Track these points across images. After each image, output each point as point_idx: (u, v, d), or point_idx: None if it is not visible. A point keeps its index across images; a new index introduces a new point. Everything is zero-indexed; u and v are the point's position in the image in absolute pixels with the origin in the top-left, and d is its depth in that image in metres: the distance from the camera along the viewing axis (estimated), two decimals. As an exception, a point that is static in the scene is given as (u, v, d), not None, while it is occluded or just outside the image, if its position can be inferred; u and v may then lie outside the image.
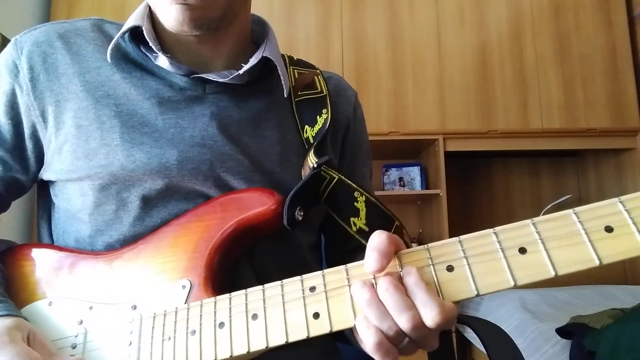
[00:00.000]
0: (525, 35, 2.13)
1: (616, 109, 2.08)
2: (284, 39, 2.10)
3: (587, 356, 1.29)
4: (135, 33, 0.56)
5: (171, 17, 0.51)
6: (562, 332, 1.42)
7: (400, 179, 2.28)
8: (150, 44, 0.53)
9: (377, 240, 0.38)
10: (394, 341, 0.36)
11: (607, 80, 2.10)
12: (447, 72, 2.09)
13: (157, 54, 0.54)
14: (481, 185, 2.46)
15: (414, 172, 2.26)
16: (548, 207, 2.38)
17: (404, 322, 0.35)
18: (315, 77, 0.66)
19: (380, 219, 0.55)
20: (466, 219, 2.40)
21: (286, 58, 0.68)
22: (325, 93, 0.64)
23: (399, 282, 0.36)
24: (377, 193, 2.34)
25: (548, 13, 2.14)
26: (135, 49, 0.56)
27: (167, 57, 0.53)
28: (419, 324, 0.35)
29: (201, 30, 0.53)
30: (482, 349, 0.81)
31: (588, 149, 2.24)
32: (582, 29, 2.13)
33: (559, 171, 2.47)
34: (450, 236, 1.89)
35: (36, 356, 0.41)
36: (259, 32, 0.65)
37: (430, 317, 0.34)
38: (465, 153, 2.14)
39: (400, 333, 0.35)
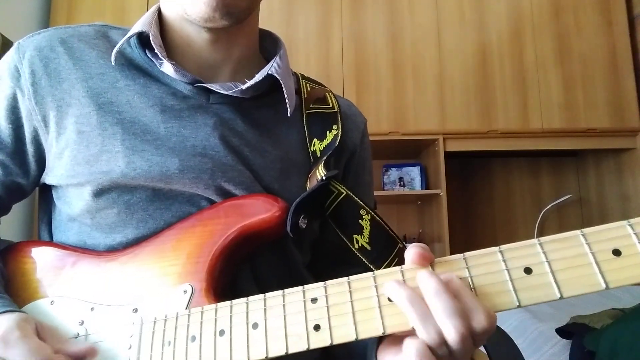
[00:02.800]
0: (525, 35, 2.12)
1: (616, 109, 2.08)
2: (284, 39, 2.08)
3: (587, 356, 1.29)
4: (141, 38, 0.56)
5: (202, 2, 0.50)
6: (562, 332, 1.42)
7: (400, 179, 2.28)
8: (156, 50, 0.53)
9: (417, 244, 0.38)
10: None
11: (607, 80, 2.10)
12: (447, 72, 2.09)
13: (162, 60, 0.53)
14: (481, 185, 2.46)
15: (414, 172, 2.26)
16: (548, 207, 2.38)
17: (452, 328, 0.34)
18: (327, 93, 0.66)
19: (383, 239, 0.54)
20: (466, 219, 2.40)
21: (298, 74, 0.68)
22: (336, 109, 0.63)
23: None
24: (377, 193, 2.32)
25: (548, 13, 2.14)
26: (141, 54, 0.56)
27: (172, 64, 0.53)
28: (467, 332, 0.34)
29: (230, 18, 0.52)
30: (482, 349, 0.81)
31: (588, 149, 2.24)
32: (582, 29, 2.13)
33: (559, 171, 2.47)
34: (450, 236, 1.88)
35: (48, 352, 0.41)
36: (270, 48, 0.65)
37: (478, 321, 0.34)
38: (465, 153, 2.14)
39: (440, 344, 0.34)
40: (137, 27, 0.55)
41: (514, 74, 2.10)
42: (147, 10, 2.34)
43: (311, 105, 0.63)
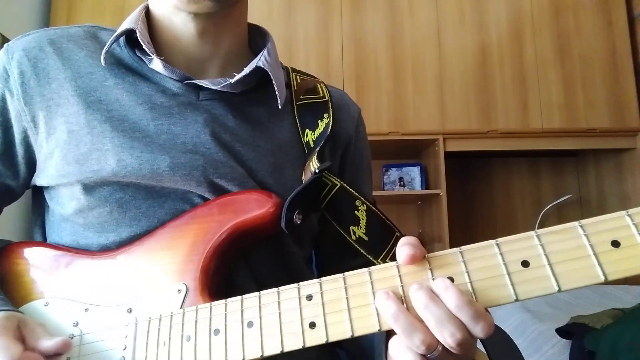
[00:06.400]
0: (525, 35, 2.12)
1: (616, 109, 2.08)
2: (284, 39, 2.10)
3: (587, 356, 1.29)
4: (130, 39, 0.56)
5: None
6: (562, 332, 1.41)
7: (400, 179, 2.28)
8: (144, 47, 0.53)
9: (407, 239, 0.38)
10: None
11: (607, 80, 2.09)
12: (447, 72, 2.09)
13: (151, 57, 0.53)
14: (481, 185, 2.46)
15: (414, 172, 2.25)
16: (548, 207, 2.38)
17: (448, 337, 0.33)
18: (318, 84, 0.66)
19: (381, 228, 0.54)
20: (466, 219, 2.40)
21: (289, 68, 0.67)
22: (327, 98, 0.63)
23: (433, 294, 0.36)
24: (377, 193, 2.33)
25: (548, 13, 2.14)
26: (130, 53, 0.56)
27: (161, 60, 0.53)
28: (465, 337, 0.34)
29: (219, 4, 0.52)
30: (482, 349, 0.81)
31: (588, 149, 2.24)
32: (582, 29, 2.13)
33: (559, 171, 2.47)
34: (450, 236, 1.87)
35: (17, 350, 0.40)
36: (259, 42, 0.64)
37: (481, 328, 0.34)
38: (465, 153, 2.14)
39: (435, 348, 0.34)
40: (124, 25, 0.55)
41: (514, 74, 2.10)
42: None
43: (301, 97, 0.63)
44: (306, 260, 0.61)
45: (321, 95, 0.64)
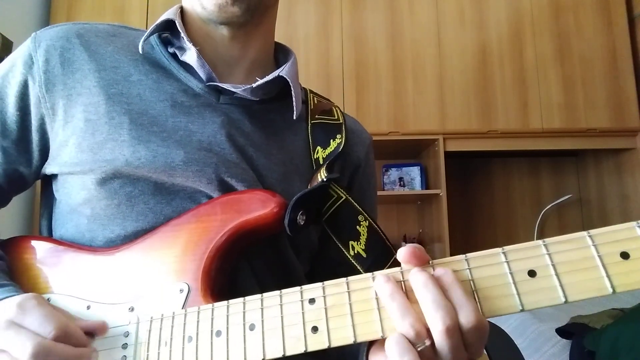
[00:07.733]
0: (525, 35, 2.12)
1: (616, 109, 2.08)
2: (284, 39, 2.08)
3: (587, 356, 1.29)
4: (161, 38, 0.59)
5: None
6: (562, 332, 1.42)
7: (400, 179, 2.28)
8: (182, 35, 0.54)
9: (412, 245, 0.38)
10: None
11: (607, 80, 2.10)
12: (447, 72, 2.09)
13: (184, 49, 0.55)
14: (481, 185, 2.46)
15: (414, 172, 2.26)
16: (548, 207, 2.38)
17: (438, 320, 0.33)
18: (333, 107, 0.68)
19: (380, 247, 0.54)
20: (466, 219, 2.40)
21: (307, 89, 0.70)
22: (341, 121, 0.65)
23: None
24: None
25: (548, 13, 2.14)
26: (162, 50, 0.58)
27: (197, 49, 0.54)
28: (454, 325, 0.33)
29: (247, 12, 0.54)
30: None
31: (588, 149, 2.24)
32: (582, 29, 2.13)
33: (559, 171, 2.47)
34: (450, 236, 1.87)
35: (62, 318, 0.42)
36: (282, 59, 0.67)
37: (465, 315, 0.33)
38: (465, 153, 2.14)
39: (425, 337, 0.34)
40: (163, 17, 0.57)
41: (514, 74, 2.10)
42: (147, 10, 2.30)
43: (317, 116, 0.65)
44: (307, 277, 0.61)
45: (336, 117, 0.66)
